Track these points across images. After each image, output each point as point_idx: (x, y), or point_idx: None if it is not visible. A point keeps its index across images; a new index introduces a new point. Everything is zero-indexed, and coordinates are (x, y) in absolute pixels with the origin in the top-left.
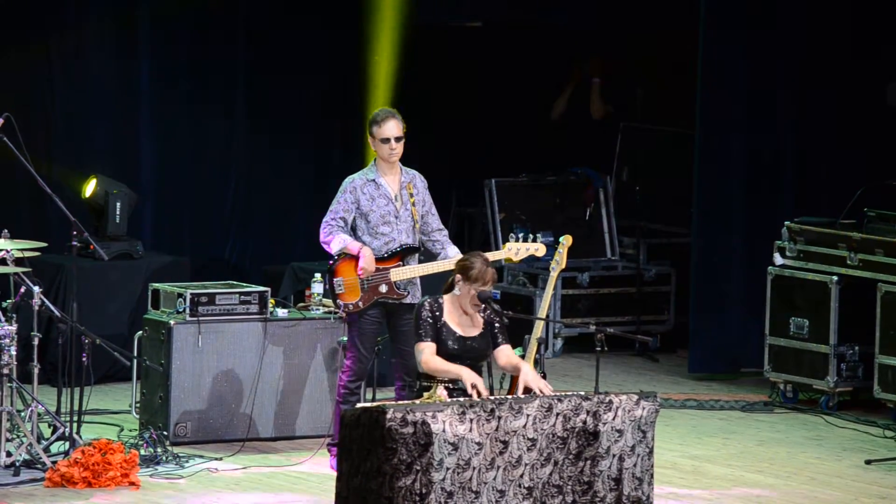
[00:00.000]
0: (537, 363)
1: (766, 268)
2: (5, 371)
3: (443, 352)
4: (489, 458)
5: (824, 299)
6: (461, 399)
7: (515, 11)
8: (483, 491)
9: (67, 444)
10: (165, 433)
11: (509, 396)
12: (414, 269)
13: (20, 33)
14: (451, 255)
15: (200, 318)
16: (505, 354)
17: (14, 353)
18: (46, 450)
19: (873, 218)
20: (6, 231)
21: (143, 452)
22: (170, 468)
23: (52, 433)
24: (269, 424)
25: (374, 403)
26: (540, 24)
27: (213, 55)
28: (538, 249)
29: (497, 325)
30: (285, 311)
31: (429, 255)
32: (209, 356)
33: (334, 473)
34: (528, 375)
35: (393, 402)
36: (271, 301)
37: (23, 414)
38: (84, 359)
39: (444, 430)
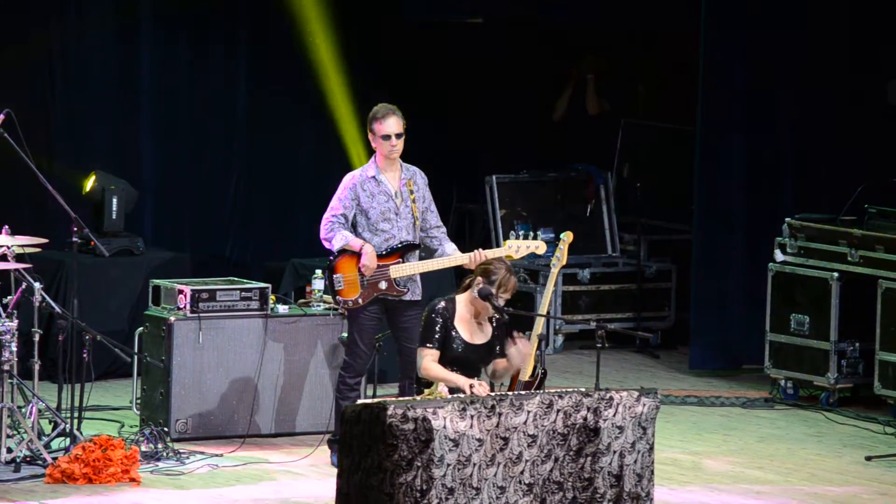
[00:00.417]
0: (538, 360)
1: (766, 264)
2: (6, 367)
3: (448, 356)
4: (490, 455)
5: (825, 296)
6: (462, 395)
7: (516, 7)
8: (483, 487)
9: (68, 440)
10: (166, 429)
11: (510, 393)
12: (414, 266)
13: (21, 29)
14: (449, 252)
15: (201, 315)
16: (502, 364)
17: (15, 349)
18: (47, 446)
19: (874, 214)
20: (7, 227)
21: (143, 449)
22: (170, 464)
23: (53, 429)
24: (270, 421)
25: (375, 400)
26: (540, 21)
27: (214, 52)
28: (538, 247)
29: (498, 337)
30: (286, 307)
31: (427, 252)
32: (210, 352)
33: (335, 470)
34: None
35: (394, 399)
36: (272, 297)
37: (23, 410)
38: (85, 355)
39: (444, 427)
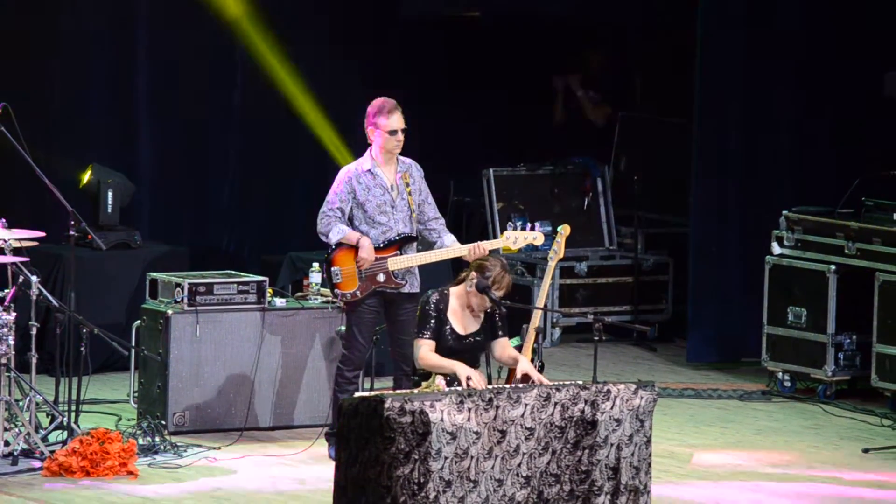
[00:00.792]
0: (535, 352)
1: (764, 257)
2: (3, 360)
3: (442, 347)
4: (487, 448)
5: (822, 288)
6: (459, 388)
7: (513, 0)
8: (481, 480)
9: (65, 433)
10: (163, 422)
11: (507, 386)
12: (412, 259)
13: (19, 21)
14: (448, 244)
15: (198, 308)
16: (501, 346)
17: (12, 342)
18: (44, 439)
19: (871, 207)
20: (3, 221)
21: (141, 442)
22: (168, 457)
23: (50, 422)
24: (268, 414)
25: (372, 393)
26: (538, 14)
27: (211, 44)
28: (536, 238)
29: (497, 316)
30: (283, 300)
31: (425, 244)
32: (207, 346)
33: (333, 462)
34: (526, 368)
35: (391, 392)
36: (269, 291)
37: (21, 403)
38: (82, 348)
39: (442, 420)
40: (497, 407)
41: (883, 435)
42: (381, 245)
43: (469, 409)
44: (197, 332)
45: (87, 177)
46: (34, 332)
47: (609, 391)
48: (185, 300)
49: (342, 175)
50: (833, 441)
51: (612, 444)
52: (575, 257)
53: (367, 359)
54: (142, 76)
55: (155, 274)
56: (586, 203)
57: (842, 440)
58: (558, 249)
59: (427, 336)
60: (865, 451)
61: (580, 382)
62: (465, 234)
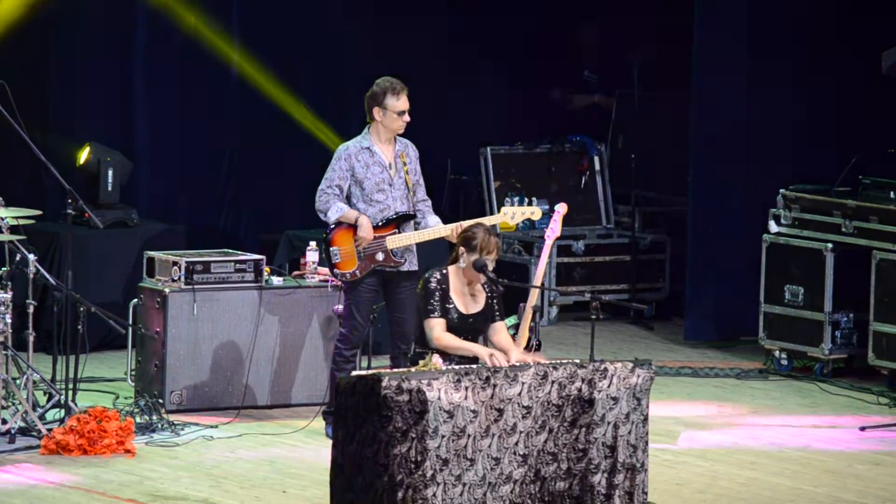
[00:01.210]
0: (532, 331)
1: (761, 236)
2: (0, 339)
3: (446, 326)
4: (484, 426)
5: (819, 267)
6: (456, 367)
7: None
8: (478, 458)
9: (63, 411)
10: (161, 401)
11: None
12: (410, 237)
13: (15, 2)
14: (432, 225)
15: (195, 287)
16: (496, 331)
17: (9, 321)
18: (42, 417)
19: (868, 185)
20: (1, 199)
21: (138, 420)
22: (165, 436)
23: (48, 401)
24: (265, 392)
25: (370, 371)
26: None
27: (208, 22)
28: (534, 213)
29: (495, 301)
30: (280, 279)
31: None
32: (204, 324)
33: (330, 441)
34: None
35: (388, 370)
36: (266, 269)
37: (18, 382)
38: (79, 327)
39: (439, 398)
40: (494, 385)
41: (880, 413)
42: (380, 223)
43: (466, 388)
44: (194, 311)
45: (84, 155)
46: (31, 310)
47: (606, 369)
48: (183, 279)
49: (340, 152)
50: (830, 419)
51: (609, 423)
52: (572, 236)
53: (364, 338)
54: (138, 54)
55: (152, 252)
56: (584, 181)
57: (839, 418)
58: (555, 228)
59: (436, 315)
60: (862, 429)
61: (577, 361)
62: (462, 213)
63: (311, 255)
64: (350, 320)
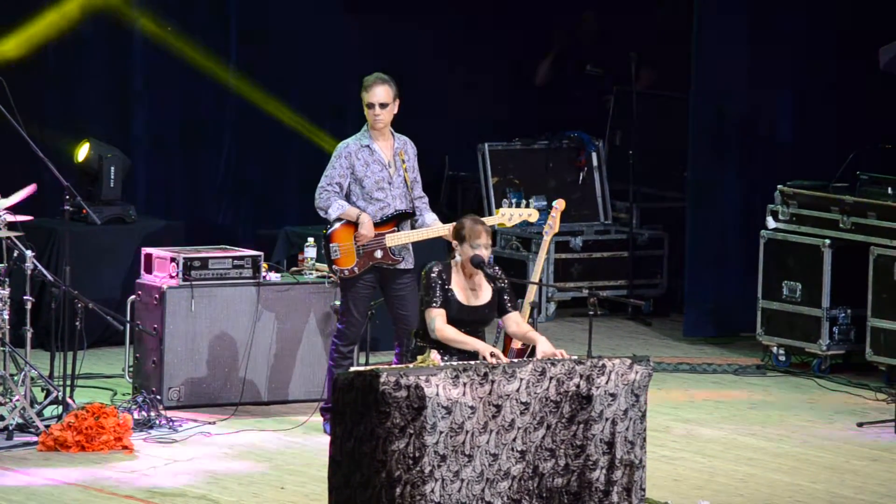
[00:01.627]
0: (530, 327)
1: (759, 231)
2: None
3: (447, 317)
4: (482, 422)
5: (817, 263)
6: (454, 363)
7: None
8: (476, 454)
9: (61, 408)
10: (158, 397)
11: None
12: (409, 235)
13: None
14: (429, 222)
15: (193, 283)
16: (514, 321)
17: (7, 317)
18: (40, 414)
19: (866, 181)
20: None
21: (136, 416)
22: (163, 432)
23: (46, 397)
24: (263, 388)
25: (368, 367)
26: None
27: (205, 20)
28: (531, 215)
29: (506, 293)
30: (278, 275)
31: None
32: (202, 320)
33: (327, 437)
34: (546, 348)
35: (386, 366)
36: (264, 265)
37: (16, 378)
38: (77, 323)
39: (437, 394)
40: (492, 381)
41: (877, 409)
42: (379, 221)
43: (464, 384)
44: (192, 307)
45: (83, 152)
46: (29, 306)
47: (604, 366)
48: (180, 275)
49: (340, 150)
50: (828, 415)
51: (607, 419)
52: (570, 232)
53: (361, 334)
54: (136, 49)
55: (150, 248)
56: (581, 177)
57: (836, 414)
58: (553, 224)
59: (437, 304)
60: (860, 425)
61: (575, 357)
62: (460, 209)
63: (309, 252)
64: (348, 316)
